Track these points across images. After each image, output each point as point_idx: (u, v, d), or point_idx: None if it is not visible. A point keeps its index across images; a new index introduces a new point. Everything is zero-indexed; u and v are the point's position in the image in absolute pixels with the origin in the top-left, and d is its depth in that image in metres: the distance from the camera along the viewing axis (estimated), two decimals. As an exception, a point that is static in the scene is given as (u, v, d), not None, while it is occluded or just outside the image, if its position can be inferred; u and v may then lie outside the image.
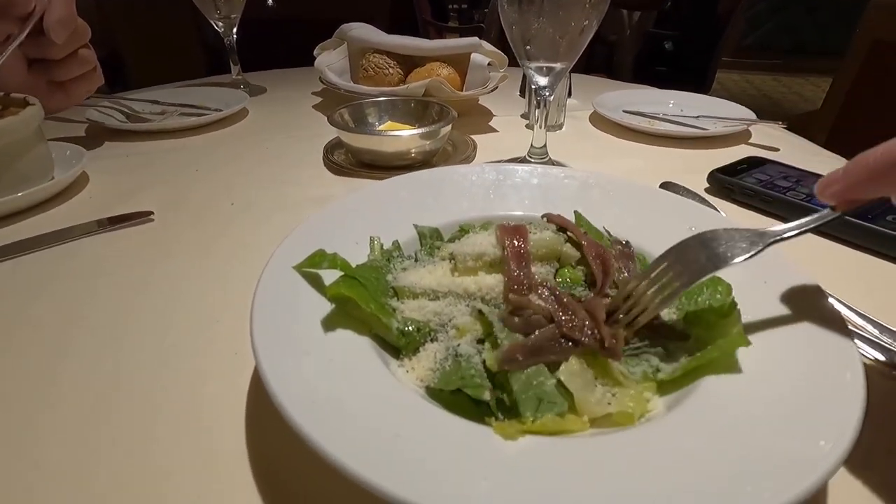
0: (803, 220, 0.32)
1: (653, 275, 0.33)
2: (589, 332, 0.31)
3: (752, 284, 0.35)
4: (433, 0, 3.41)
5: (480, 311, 0.33)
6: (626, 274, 0.37)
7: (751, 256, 0.30)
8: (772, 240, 0.31)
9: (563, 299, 0.33)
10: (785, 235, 0.31)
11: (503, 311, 0.33)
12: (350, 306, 0.33)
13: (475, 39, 0.87)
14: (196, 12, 0.97)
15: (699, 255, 0.32)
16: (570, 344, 0.30)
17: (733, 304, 0.32)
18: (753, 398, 0.27)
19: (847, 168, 0.29)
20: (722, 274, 0.37)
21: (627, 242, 0.41)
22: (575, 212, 0.45)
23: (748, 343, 0.29)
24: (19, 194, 0.55)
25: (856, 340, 0.29)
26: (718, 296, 0.34)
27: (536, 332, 0.31)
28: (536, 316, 0.32)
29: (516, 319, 0.32)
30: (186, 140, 0.79)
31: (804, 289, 0.34)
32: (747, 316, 0.32)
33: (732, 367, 0.29)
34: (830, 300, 0.33)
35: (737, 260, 0.30)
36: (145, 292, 0.44)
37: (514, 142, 0.78)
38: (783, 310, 0.33)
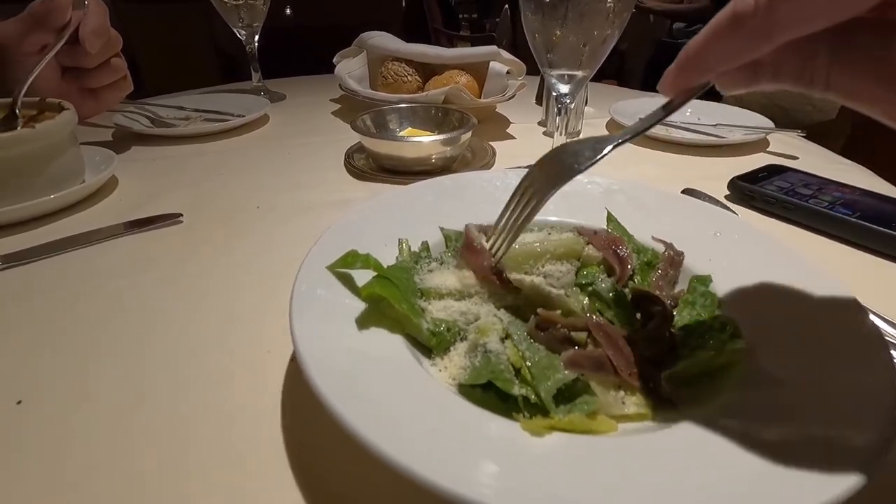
0: (640, 122, 0.32)
1: (517, 197, 0.35)
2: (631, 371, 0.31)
3: (785, 290, 0.35)
4: (445, 9, 3.46)
5: (508, 335, 0.33)
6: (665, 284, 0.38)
7: (593, 163, 0.32)
8: (614, 143, 0.32)
9: (611, 335, 0.33)
10: (625, 138, 0.32)
11: (529, 323, 0.33)
12: (383, 306, 0.34)
13: (494, 48, 0.88)
14: (211, 21, 1.00)
15: (550, 168, 0.33)
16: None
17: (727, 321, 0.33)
18: (784, 404, 0.27)
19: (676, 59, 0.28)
20: (756, 278, 0.37)
21: (682, 253, 0.41)
22: (606, 209, 0.45)
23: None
24: (52, 196, 0.57)
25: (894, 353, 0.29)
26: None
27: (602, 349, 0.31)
28: (563, 330, 0.33)
29: (542, 333, 0.33)
30: (210, 145, 0.81)
31: (840, 301, 0.34)
32: (780, 322, 0.32)
33: (758, 371, 0.29)
34: (870, 314, 0.33)
35: (582, 168, 0.32)
36: (177, 291, 0.45)
37: (533, 148, 0.78)
38: (817, 319, 0.33)
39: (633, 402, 0.29)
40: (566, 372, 0.30)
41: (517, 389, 0.29)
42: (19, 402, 0.33)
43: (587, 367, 0.30)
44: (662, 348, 0.32)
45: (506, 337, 0.33)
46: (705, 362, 0.30)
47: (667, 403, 0.29)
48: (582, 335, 0.33)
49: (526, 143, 0.83)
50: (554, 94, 0.62)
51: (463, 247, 0.39)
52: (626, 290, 0.37)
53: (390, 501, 0.28)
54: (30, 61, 0.65)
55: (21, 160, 0.55)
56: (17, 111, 0.60)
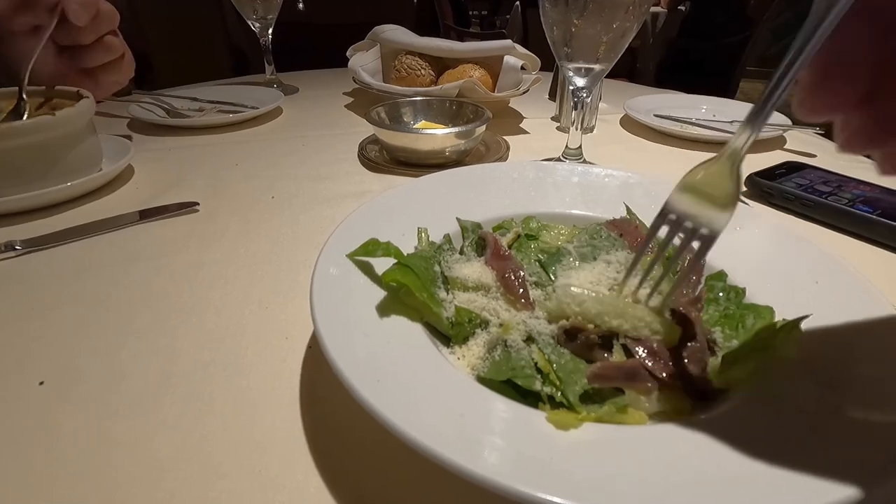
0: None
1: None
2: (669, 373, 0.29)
3: (810, 283, 0.35)
4: (455, 6, 3.44)
5: (531, 338, 0.32)
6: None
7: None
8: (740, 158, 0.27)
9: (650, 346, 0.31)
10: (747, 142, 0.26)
11: (557, 329, 0.32)
12: (402, 293, 0.34)
13: (508, 42, 0.87)
14: (223, 15, 1.00)
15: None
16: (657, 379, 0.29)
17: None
18: (825, 394, 0.26)
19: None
20: (781, 271, 0.37)
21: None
22: (625, 204, 0.45)
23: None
24: (69, 184, 0.57)
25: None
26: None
27: (634, 358, 0.30)
28: (592, 337, 0.31)
29: (570, 342, 0.31)
30: (224, 136, 0.81)
31: (865, 294, 0.33)
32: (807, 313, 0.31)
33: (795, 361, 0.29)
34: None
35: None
36: (194, 278, 0.46)
37: (546, 143, 0.79)
38: (843, 312, 0.32)
39: (669, 398, 0.28)
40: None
41: (538, 385, 0.29)
42: (41, 384, 0.34)
43: (618, 378, 0.28)
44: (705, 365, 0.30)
45: (528, 338, 0.32)
46: (762, 342, 0.29)
47: (705, 399, 0.28)
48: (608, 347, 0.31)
49: (540, 137, 0.83)
50: (570, 87, 0.62)
51: (491, 255, 0.38)
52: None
53: (413, 485, 0.28)
54: (23, 41, 0.63)
55: (41, 147, 0.55)
56: (24, 99, 0.60)
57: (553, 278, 0.38)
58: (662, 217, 0.30)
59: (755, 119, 0.26)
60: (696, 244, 0.29)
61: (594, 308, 0.32)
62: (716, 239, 0.28)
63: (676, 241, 0.30)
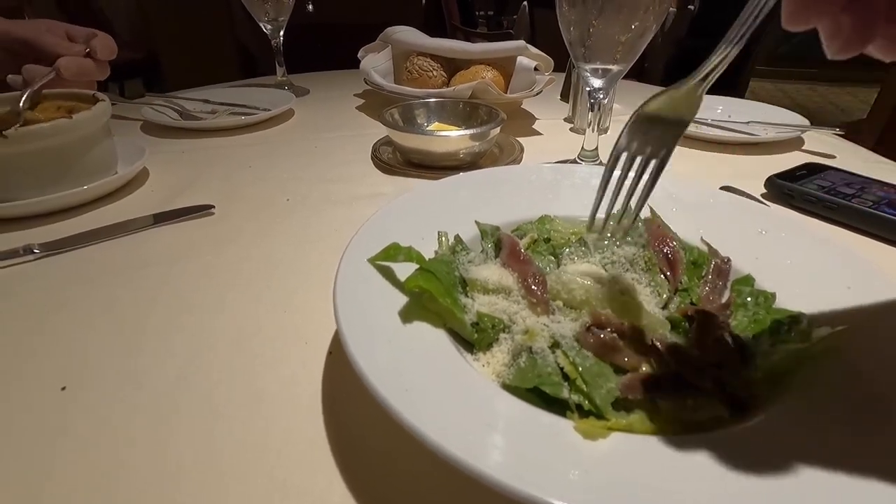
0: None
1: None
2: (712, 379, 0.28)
3: (839, 287, 0.34)
4: (462, 6, 3.44)
5: (556, 343, 0.31)
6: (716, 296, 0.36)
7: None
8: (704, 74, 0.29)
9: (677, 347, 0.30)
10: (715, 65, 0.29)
11: (579, 329, 0.32)
12: (425, 299, 0.33)
13: (521, 42, 0.87)
14: (231, 16, 1.00)
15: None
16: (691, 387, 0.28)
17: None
18: (863, 407, 0.26)
19: None
20: (808, 274, 0.36)
21: (728, 259, 0.39)
22: (649, 206, 0.44)
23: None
24: (85, 187, 0.57)
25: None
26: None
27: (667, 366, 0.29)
28: (613, 335, 0.31)
29: (591, 339, 0.31)
30: (237, 138, 0.81)
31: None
32: (839, 317, 0.31)
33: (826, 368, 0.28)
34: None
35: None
36: (211, 281, 0.45)
37: (560, 145, 0.78)
38: (876, 314, 0.32)
39: (704, 407, 0.27)
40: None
41: (566, 393, 0.28)
42: (63, 389, 0.34)
43: (650, 388, 0.28)
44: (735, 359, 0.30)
45: (553, 344, 0.31)
46: (797, 353, 0.28)
47: (741, 408, 0.27)
48: (634, 354, 0.30)
49: (553, 139, 0.82)
50: (587, 88, 0.61)
51: (508, 255, 0.38)
52: (674, 303, 0.36)
53: (440, 495, 0.27)
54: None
55: (58, 150, 0.55)
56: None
57: (557, 265, 0.38)
58: (619, 150, 0.34)
59: (737, 33, 0.27)
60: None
61: (581, 294, 0.34)
62: (685, 127, 0.31)
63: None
